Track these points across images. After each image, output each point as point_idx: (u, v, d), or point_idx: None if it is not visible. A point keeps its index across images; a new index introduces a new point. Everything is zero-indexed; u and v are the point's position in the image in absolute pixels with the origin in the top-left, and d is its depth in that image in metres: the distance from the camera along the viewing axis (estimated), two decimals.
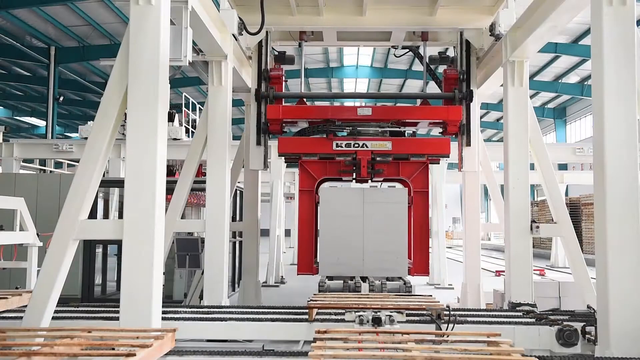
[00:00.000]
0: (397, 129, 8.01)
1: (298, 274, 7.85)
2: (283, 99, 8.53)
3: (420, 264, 7.62)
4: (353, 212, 7.25)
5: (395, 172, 7.82)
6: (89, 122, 16.51)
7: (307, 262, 7.65)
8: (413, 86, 28.85)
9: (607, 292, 4.41)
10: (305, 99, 8.82)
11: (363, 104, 8.97)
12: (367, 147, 7.63)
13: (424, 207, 7.76)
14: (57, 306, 4.59)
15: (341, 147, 7.67)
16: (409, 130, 8.42)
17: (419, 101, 8.94)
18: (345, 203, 7.29)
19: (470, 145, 8.25)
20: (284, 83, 8.52)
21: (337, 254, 7.16)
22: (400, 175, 7.79)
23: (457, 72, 8.43)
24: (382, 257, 7.11)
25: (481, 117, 13.64)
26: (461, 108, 8.11)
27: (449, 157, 7.98)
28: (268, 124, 8.13)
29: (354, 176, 7.88)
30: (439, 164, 9.28)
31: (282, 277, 16.09)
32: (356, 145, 7.66)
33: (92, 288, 10.95)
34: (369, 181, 8.02)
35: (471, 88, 8.30)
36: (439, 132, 8.45)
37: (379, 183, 8.41)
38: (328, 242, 7.25)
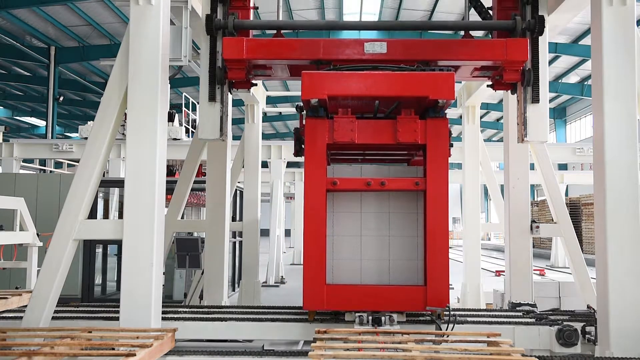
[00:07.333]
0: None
1: (304, 309, 4.87)
2: (250, 31, 5.55)
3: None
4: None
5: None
6: (89, 122, 16.52)
7: (316, 289, 4.71)
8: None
9: (607, 292, 4.41)
10: (283, 31, 5.56)
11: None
12: None
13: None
14: (57, 306, 4.59)
15: None
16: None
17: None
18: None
19: (538, 101, 5.34)
20: (251, 11, 5.68)
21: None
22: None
23: None
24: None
25: (481, 117, 13.12)
26: (526, 42, 5.18)
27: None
28: (226, 68, 5.28)
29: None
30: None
31: (282, 277, 16.14)
32: None
33: (92, 288, 10.95)
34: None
35: (540, 14, 5.38)
36: (488, 85, 5.86)
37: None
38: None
